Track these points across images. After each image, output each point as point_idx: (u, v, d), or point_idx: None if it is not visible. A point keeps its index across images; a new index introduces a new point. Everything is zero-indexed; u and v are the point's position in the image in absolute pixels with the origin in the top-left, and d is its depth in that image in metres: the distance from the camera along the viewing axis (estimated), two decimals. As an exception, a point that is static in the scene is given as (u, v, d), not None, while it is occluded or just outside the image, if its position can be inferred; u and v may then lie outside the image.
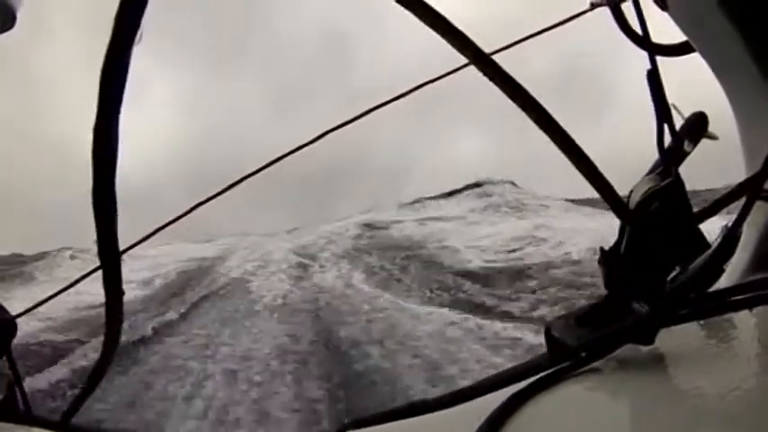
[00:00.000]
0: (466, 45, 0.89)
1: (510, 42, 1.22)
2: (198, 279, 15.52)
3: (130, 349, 9.23)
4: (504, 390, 0.96)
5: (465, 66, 1.09)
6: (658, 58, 1.15)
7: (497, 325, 9.14)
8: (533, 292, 11.07)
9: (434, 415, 0.95)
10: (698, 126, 1.23)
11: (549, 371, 0.96)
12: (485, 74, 0.91)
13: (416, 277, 13.66)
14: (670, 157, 1.07)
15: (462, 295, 11.43)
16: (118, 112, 0.68)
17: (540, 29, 1.30)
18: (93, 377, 1.09)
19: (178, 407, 7.22)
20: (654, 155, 1.10)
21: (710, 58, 1.31)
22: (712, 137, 1.29)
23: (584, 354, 0.98)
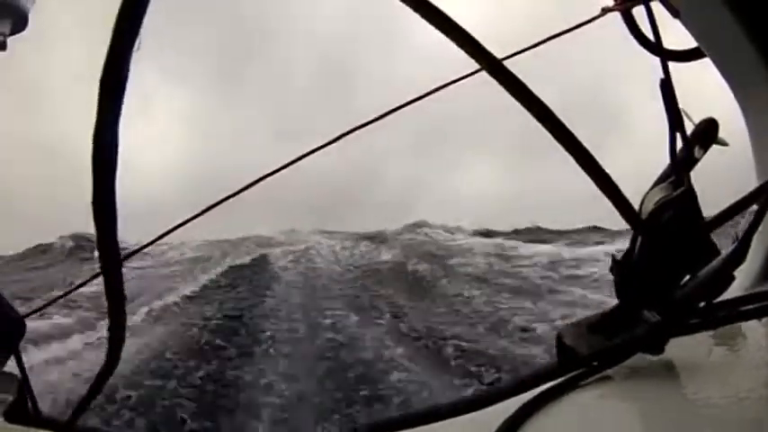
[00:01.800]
0: (482, 55, 0.90)
1: (520, 49, 1.22)
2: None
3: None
4: (518, 397, 0.97)
5: (476, 72, 1.09)
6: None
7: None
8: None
9: (447, 422, 0.96)
10: (708, 132, 1.23)
11: (561, 379, 0.97)
12: (499, 82, 0.92)
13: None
14: (682, 166, 1.07)
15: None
16: (117, 118, 0.68)
17: (549, 36, 1.30)
18: (99, 380, 1.10)
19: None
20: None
21: (722, 64, 1.31)
22: (722, 143, 1.29)
23: (595, 362, 0.98)
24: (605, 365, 0.98)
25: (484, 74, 0.93)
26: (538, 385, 0.98)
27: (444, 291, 10.11)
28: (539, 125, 0.94)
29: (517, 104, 0.94)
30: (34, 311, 1.37)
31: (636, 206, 1.07)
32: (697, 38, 1.29)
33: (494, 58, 0.92)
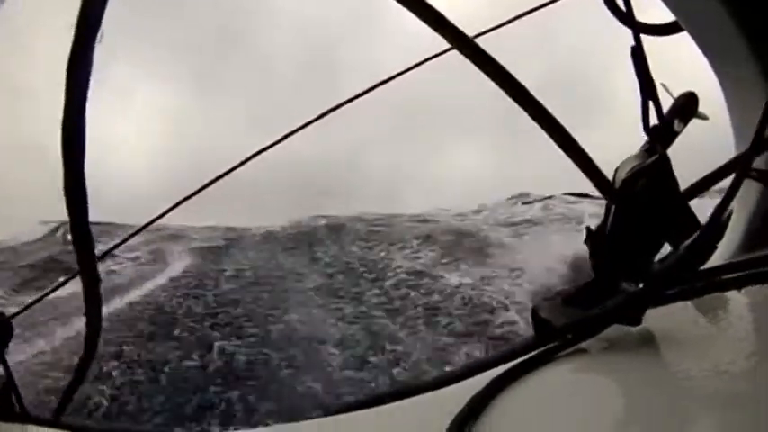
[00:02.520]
0: (447, 26, 0.89)
1: (494, 25, 1.21)
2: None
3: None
4: (493, 372, 0.95)
5: (448, 50, 1.08)
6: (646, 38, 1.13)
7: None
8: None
9: (420, 398, 0.94)
10: (688, 106, 1.21)
11: (535, 352, 0.95)
12: (469, 59, 0.91)
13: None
14: (656, 135, 1.06)
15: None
16: (83, 107, 0.71)
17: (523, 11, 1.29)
18: (79, 372, 1.09)
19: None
20: None
21: (699, 38, 1.30)
22: (702, 117, 1.27)
23: (570, 335, 0.97)
24: (580, 338, 0.96)
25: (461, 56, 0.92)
26: (514, 359, 0.97)
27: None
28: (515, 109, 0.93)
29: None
30: (20, 312, 1.35)
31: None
32: (674, 11, 1.28)
33: (463, 34, 0.91)
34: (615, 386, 0.93)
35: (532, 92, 0.92)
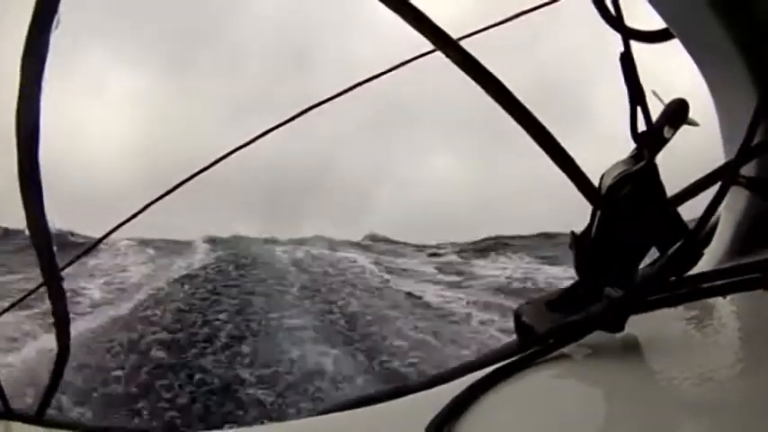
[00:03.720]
0: (431, 27, 0.88)
1: (479, 28, 1.21)
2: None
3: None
4: (474, 376, 0.95)
5: (430, 52, 1.08)
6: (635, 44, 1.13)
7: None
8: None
9: (398, 402, 0.94)
10: (678, 112, 1.21)
11: (516, 357, 0.94)
12: (455, 62, 0.90)
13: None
14: (643, 141, 1.05)
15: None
16: (39, 95, 0.70)
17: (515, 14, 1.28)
18: (56, 369, 1.09)
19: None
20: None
21: (690, 45, 1.30)
22: (693, 123, 1.27)
23: (551, 340, 0.96)
24: (561, 343, 0.96)
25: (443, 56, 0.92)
26: (494, 364, 0.96)
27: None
28: (498, 108, 0.92)
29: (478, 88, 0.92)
30: (6, 309, 1.35)
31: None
32: (664, 17, 1.28)
33: (447, 36, 0.90)
34: (597, 392, 0.93)
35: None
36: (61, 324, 0.95)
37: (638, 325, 0.99)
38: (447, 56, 0.90)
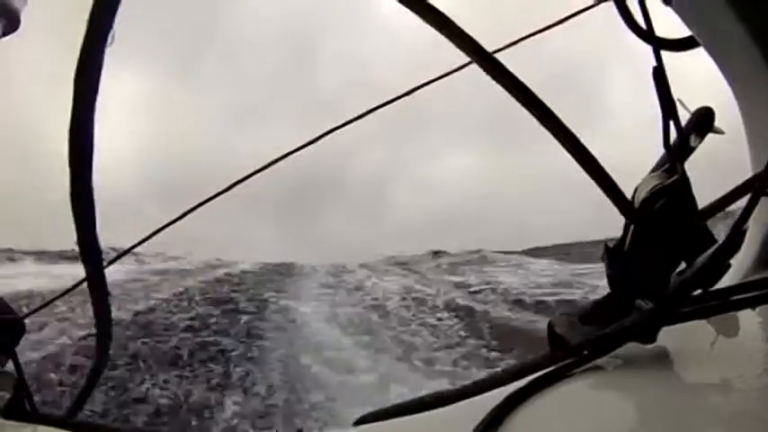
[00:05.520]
0: (470, 46, 0.89)
1: (511, 41, 1.21)
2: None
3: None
4: (507, 388, 0.96)
5: (465, 65, 1.08)
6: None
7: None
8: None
9: (433, 413, 0.95)
10: (704, 121, 1.22)
11: (550, 368, 0.96)
12: (489, 73, 0.91)
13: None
14: (676, 154, 1.06)
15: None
16: (93, 112, 0.69)
17: (541, 27, 1.28)
18: (92, 376, 1.10)
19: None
20: (642, 166, 1.10)
21: (716, 53, 1.30)
22: (718, 132, 1.27)
23: (585, 351, 0.97)
24: (595, 355, 0.97)
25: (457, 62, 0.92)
26: (528, 375, 0.97)
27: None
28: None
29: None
30: (32, 312, 1.37)
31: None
32: (690, 26, 1.28)
33: (485, 51, 0.91)
34: (632, 403, 0.94)
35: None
36: (103, 340, 0.96)
37: (666, 336, 1.00)
38: (482, 68, 0.91)
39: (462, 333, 7.74)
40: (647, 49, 1.22)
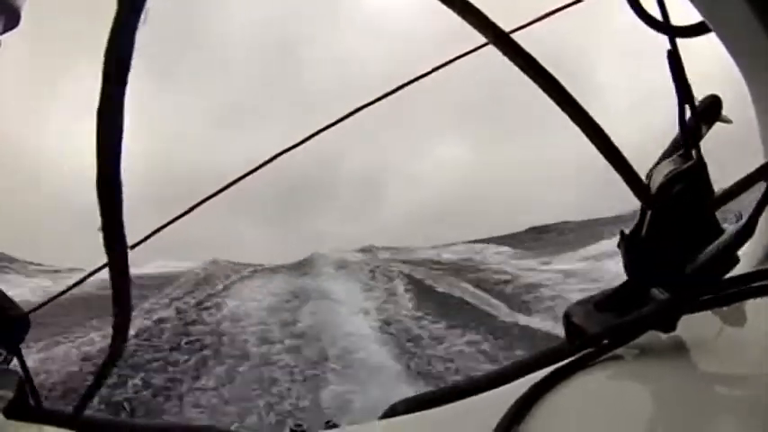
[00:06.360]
0: (486, 25, 0.86)
1: (522, 24, 1.19)
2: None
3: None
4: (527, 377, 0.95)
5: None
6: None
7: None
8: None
9: (461, 404, 0.94)
10: (712, 109, 1.20)
11: (571, 359, 0.94)
12: (505, 53, 0.88)
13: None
14: (691, 139, 1.05)
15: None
16: (123, 96, 0.64)
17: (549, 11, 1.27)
18: (102, 371, 1.06)
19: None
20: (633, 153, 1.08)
21: (727, 40, 1.28)
22: (726, 120, 1.26)
23: (604, 341, 0.96)
24: (615, 344, 0.95)
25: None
26: (547, 365, 0.96)
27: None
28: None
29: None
30: (38, 307, 1.33)
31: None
32: (701, 12, 1.27)
33: (502, 31, 0.88)
34: (654, 393, 0.93)
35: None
36: (120, 332, 0.92)
37: (683, 326, 0.99)
38: (498, 48, 0.89)
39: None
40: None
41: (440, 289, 10.37)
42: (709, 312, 1.04)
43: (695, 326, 1.02)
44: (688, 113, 1.05)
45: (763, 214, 1.33)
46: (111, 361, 0.98)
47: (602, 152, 0.93)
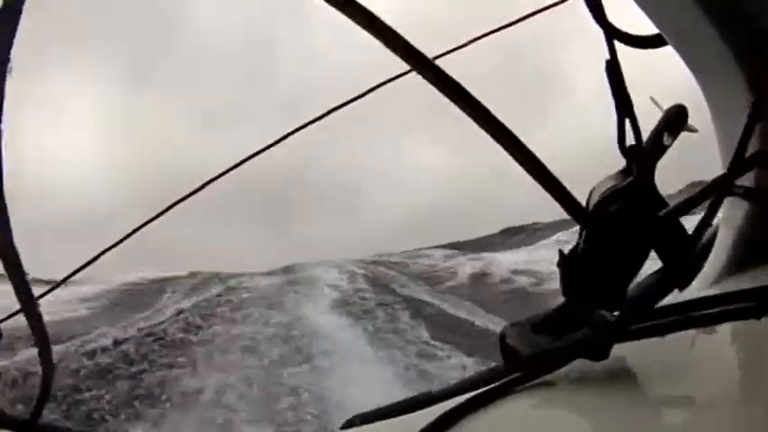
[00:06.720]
0: (408, 51, 0.84)
1: (459, 44, 1.17)
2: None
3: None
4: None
5: (406, 72, 1.03)
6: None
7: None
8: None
9: (371, 426, 0.91)
10: (677, 119, 1.17)
11: (495, 384, 0.90)
12: (426, 79, 0.86)
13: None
14: (632, 155, 1.01)
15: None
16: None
17: (493, 28, 1.24)
18: (45, 382, 1.07)
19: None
20: (606, 148, 1.05)
21: (683, 51, 1.24)
22: (692, 130, 1.22)
23: (533, 367, 0.92)
24: (544, 370, 0.92)
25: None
26: (477, 389, 0.92)
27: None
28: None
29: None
30: (8, 317, 1.34)
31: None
32: (654, 21, 1.23)
33: (421, 54, 0.86)
34: (579, 422, 0.89)
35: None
36: (42, 342, 0.93)
37: (627, 348, 0.95)
38: (421, 74, 0.86)
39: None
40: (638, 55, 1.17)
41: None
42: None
43: (639, 349, 0.98)
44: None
45: (728, 229, 1.29)
46: (47, 375, 0.99)
47: (527, 170, 0.90)
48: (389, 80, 1.40)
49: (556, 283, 1.00)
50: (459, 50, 1.14)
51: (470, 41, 1.20)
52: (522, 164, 0.89)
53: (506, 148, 0.88)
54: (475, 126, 0.86)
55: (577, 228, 0.99)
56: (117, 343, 8.56)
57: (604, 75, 1.01)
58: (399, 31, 0.82)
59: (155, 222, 1.41)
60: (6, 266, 0.82)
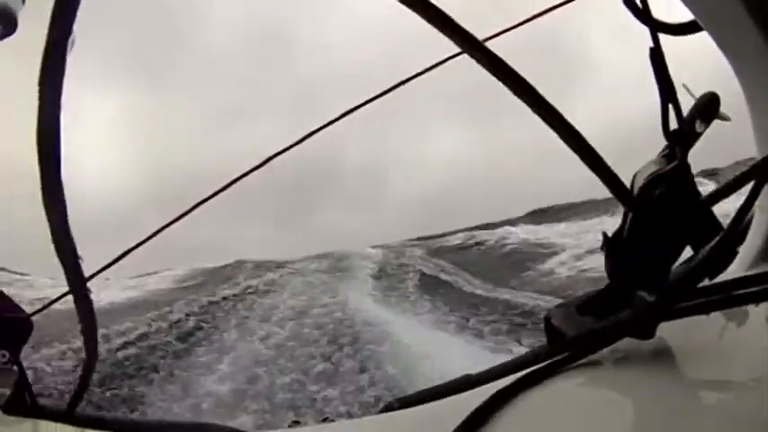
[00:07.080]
0: (456, 32, 0.85)
1: (503, 29, 1.18)
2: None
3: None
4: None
5: (457, 55, 1.05)
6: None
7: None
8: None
9: (424, 408, 0.93)
10: (710, 106, 1.18)
11: (543, 364, 0.92)
12: (476, 60, 0.88)
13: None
14: (676, 140, 1.02)
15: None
16: (59, 106, 0.69)
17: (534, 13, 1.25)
18: (86, 370, 1.09)
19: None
20: (634, 131, 1.06)
21: (719, 38, 1.25)
22: (724, 118, 1.24)
23: (580, 346, 0.94)
24: (591, 349, 0.93)
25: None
26: (525, 368, 0.94)
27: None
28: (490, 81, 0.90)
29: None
30: (39, 310, 1.37)
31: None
32: (692, 9, 1.24)
33: (474, 38, 0.87)
34: (624, 402, 0.90)
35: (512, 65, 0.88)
36: (88, 329, 0.95)
37: (670, 329, 0.96)
38: (471, 55, 0.88)
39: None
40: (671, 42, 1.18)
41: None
42: (701, 316, 1.01)
43: (685, 328, 1.00)
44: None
45: (762, 215, 1.30)
46: (90, 363, 1.01)
47: (579, 155, 0.91)
48: (422, 71, 1.41)
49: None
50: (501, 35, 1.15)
51: (516, 25, 1.21)
52: (570, 145, 0.91)
53: (554, 128, 0.89)
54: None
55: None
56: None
57: (627, 60, 1.02)
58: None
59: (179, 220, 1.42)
60: (59, 254, 0.84)
